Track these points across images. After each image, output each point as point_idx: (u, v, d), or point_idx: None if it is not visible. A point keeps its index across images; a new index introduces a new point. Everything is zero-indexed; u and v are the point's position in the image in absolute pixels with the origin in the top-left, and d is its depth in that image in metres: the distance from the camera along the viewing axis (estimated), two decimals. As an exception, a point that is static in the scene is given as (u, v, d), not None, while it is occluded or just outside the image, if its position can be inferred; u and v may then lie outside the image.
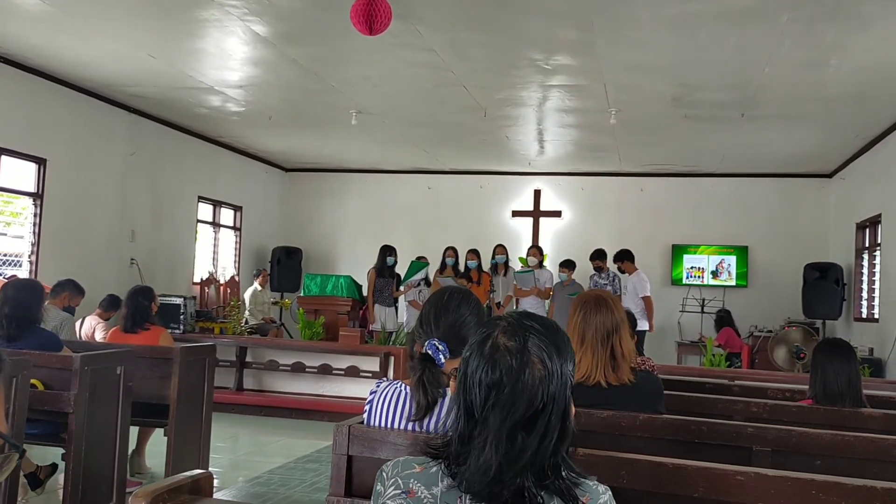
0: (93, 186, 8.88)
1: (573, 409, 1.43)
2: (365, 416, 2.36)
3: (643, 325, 9.09)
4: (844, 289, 10.09)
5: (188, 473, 1.51)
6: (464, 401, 1.39)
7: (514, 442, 1.34)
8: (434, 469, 1.42)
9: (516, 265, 10.66)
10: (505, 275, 10.16)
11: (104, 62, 7.60)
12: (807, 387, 3.67)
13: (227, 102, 8.92)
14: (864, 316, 9.80)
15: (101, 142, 9.00)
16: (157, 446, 5.28)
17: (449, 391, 2.03)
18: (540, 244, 11.65)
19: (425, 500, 1.40)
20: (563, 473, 1.38)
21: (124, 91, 8.69)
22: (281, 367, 8.28)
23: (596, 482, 1.41)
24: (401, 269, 10.09)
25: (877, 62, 6.48)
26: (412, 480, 1.43)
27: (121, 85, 8.43)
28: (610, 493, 1.41)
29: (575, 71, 7.14)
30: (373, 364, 7.97)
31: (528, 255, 10.36)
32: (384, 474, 1.47)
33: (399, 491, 1.43)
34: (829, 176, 11.32)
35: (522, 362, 1.36)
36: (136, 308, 5.37)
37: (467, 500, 1.37)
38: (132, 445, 5.06)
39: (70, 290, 6.06)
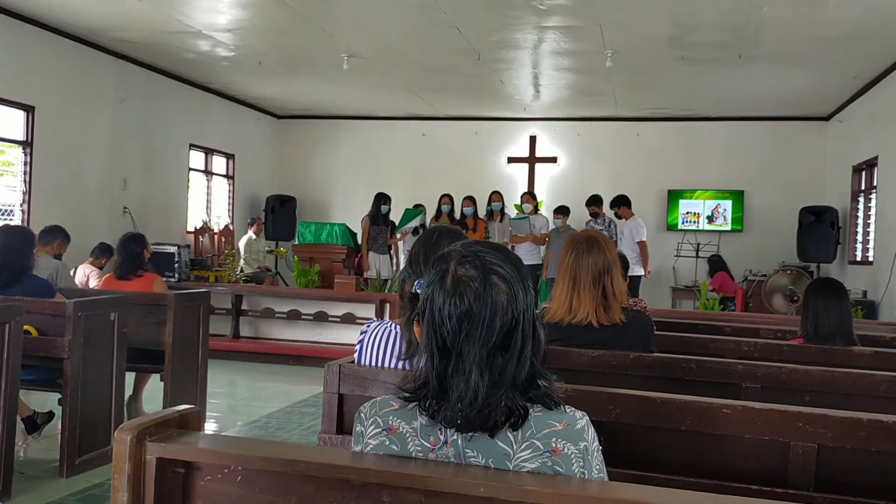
0: (82, 134, 8.79)
1: (541, 324, 1.45)
2: (356, 355, 2.37)
3: (639, 270, 9.10)
4: (839, 232, 10.09)
5: (176, 408, 1.51)
6: (435, 339, 1.39)
7: (495, 364, 1.36)
8: (412, 406, 1.43)
9: (512, 212, 10.65)
10: (501, 221, 10.16)
11: (90, 5, 7.44)
12: (798, 327, 3.68)
13: (217, 47, 8.77)
14: (858, 259, 9.82)
15: (89, 89, 8.87)
16: (155, 393, 5.32)
17: None
18: (535, 191, 11.63)
19: (407, 435, 1.41)
20: (540, 382, 1.41)
21: (111, 36, 8.53)
22: (277, 315, 8.31)
23: (573, 409, 1.42)
24: (395, 217, 10.07)
25: (876, 1, 6.37)
26: (392, 417, 1.44)
27: (107, 30, 8.27)
28: (587, 419, 1.42)
29: (570, 11, 7.01)
30: (368, 311, 8.00)
31: (521, 201, 10.33)
32: (363, 415, 1.48)
33: (380, 429, 1.44)
34: (827, 119, 11.23)
35: (487, 287, 1.37)
36: (129, 255, 5.35)
37: (448, 430, 1.38)
38: (129, 391, 5.09)
39: (61, 238, 6.03)
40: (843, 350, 3.35)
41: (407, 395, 1.44)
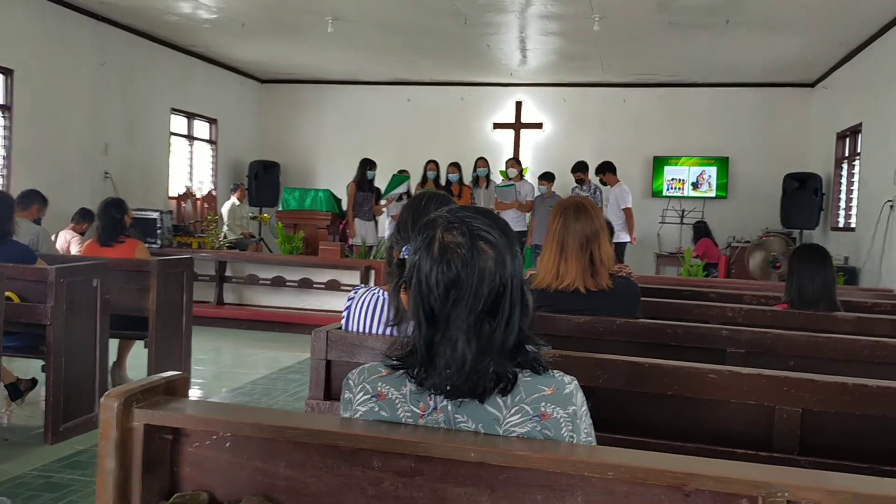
0: (62, 98, 8.63)
1: (528, 289, 1.44)
2: (343, 321, 2.36)
3: (624, 237, 9.13)
4: (823, 199, 10.15)
5: (162, 374, 1.49)
6: (422, 307, 1.38)
7: (483, 331, 1.35)
8: (401, 372, 1.42)
9: (497, 178, 10.61)
10: (486, 188, 10.13)
11: (66, -34, 7.27)
12: (782, 293, 3.71)
13: (198, 9, 8.61)
14: (840, 225, 9.90)
15: (69, 52, 8.69)
16: (139, 359, 5.30)
17: None
18: (521, 157, 11.58)
19: (397, 401, 1.41)
20: (528, 348, 1.41)
21: (90, -3, 8.35)
22: (261, 282, 8.28)
23: (562, 374, 1.42)
24: (380, 183, 10.01)
25: (865, -35, 6.34)
26: (380, 384, 1.44)
27: (86, -9, 8.10)
28: (576, 383, 1.42)
29: (557, -25, 6.93)
30: (353, 278, 7.99)
31: (507, 166, 10.30)
32: (351, 382, 1.47)
33: (369, 395, 1.43)
34: (812, 85, 11.23)
35: (474, 253, 1.36)
36: (109, 221, 5.30)
37: (437, 396, 1.38)
38: (113, 357, 5.07)
39: (38, 202, 5.94)
40: (826, 315, 3.38)
41: (395, 362, 1.43)
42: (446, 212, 1.43)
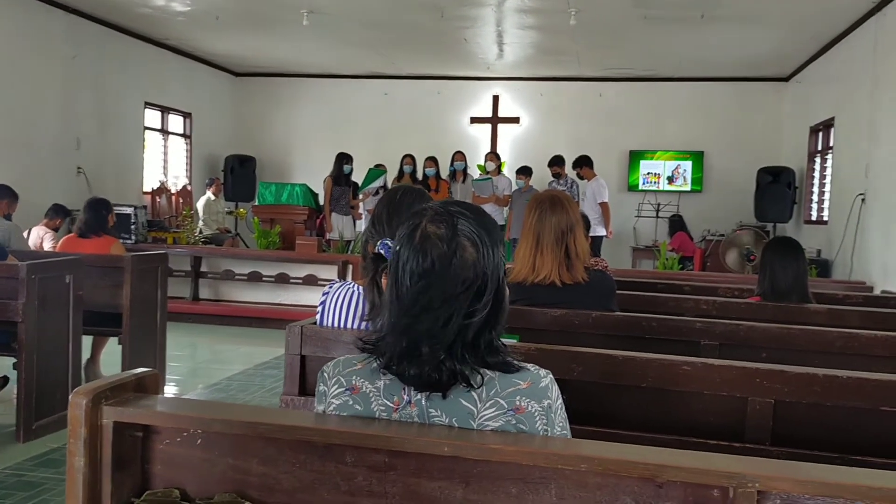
0: (34, 92, 8.50)
1: (507, 292, 1.44)
2: (318, 316, 2.35)
3: (600, 230, 9.16)
4: (796, 192, 10.26)
5: (133, 371, 1.47)
6: (396, 293, 1.38)
7: (450, 326, 1.35)
8: (375, 364, 1.42)
9: (475, 172, 10.61)
10: (463, 182, 10.12)
11: (36, -43, 7.15)
12: (755, 286, 3.74)
13: (172, 2, 8.51)
14: (813, 218, 10.01)
15: (40, 45, 8.56)
16: (114, 356, 5.24)
17: None
18: (498, 151, 11.58)
19: (371, 394, 1.41)
20: (501, 353, 1.40)
21: (60, -11, 8.23)
22: (237, 277, 8.23)
23: (537, 367, 1.42)
24: (357, 177, 9.97)
25: (837, -40, 6.40)
26: (355, 377, 1.43)
27: (56, -17, 7.98)
28: (551, 377, 1.42)
29: (533, -31, 6.93)
30: (331, 272, 7.96)
31: (485, 160, 10.30)
32: (326, 374, 1.47)
33: (343, 388, 1.43)
34: (786, 80, 11.34)
35: (453, 247, 1.36)
36: (95, 216, 5.26)
37: (412, 390, 1.38)
38: (86, 354, 5.02)
39: (8, 197, 5.86)
40: (798, 307, 3.41)
41: (367, 345, 1.43)
42: (437, 204, 1.44)
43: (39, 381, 4.13)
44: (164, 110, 11.23)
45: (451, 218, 1.39)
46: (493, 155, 10.40)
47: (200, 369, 6.22)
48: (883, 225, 7.29)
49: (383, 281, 1.51)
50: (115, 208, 7.94)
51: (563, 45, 9.78)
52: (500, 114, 12.26)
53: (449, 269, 1.35)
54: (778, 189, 10.25)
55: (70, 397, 1.38)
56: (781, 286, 3.48)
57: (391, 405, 1.39)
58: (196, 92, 11.82)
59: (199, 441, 1.39)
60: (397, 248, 1.40)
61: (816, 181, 9.97)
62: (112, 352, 5.29)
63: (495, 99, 12.26)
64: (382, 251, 2.07)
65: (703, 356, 2.69)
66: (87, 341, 4.86)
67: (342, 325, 2.29)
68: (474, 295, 1.36)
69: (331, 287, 2.39)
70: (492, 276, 1.38)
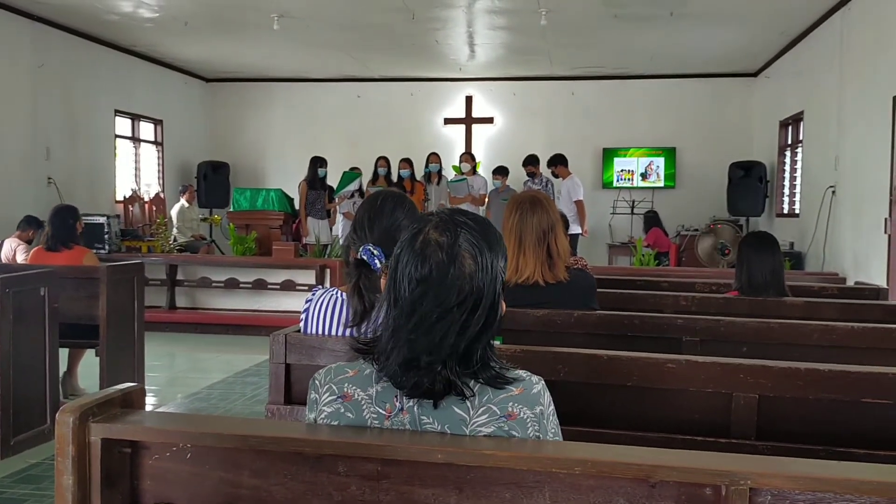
0: (0, 102, 8.36)
1: (503, 306, 1.44)
2: (301, 324, 2.34)
3: (576, 229, 9.20)
4: (767, 186, 10.39)
5: (119, 387, 1.46)
6: (394, 296, 1.39)
7: (443, 334, 1.35)
8: (367, 372, 1.42)
9: (450, 173, 10.62)
10: (438, 183, 10.12)
11: (0, -35, 7.04)
12: (732, 280, 3.78)
13: (139, 8, 8.42)
14: (785, 212, 10.14)
15: (5, 54, 8.42)
16: (91, 368, 5.18)
17: None
18: (473, 151, 11.60)
19: (363, 402, 1.41)
20: (493, 365, 1.40)
21: (25, -3, 8.10)
22: (214, 284, 8.16)
23: (529, 374, 1.42)
24: (332, 181, 9.94)
25: (802, -43, 6.49)
26: (347, 385, 1.43)
27: (21, -9, 7.86)
28: (543, 383, 1.42)
29: (504, -31, 6.95)
30: (308, 277, 7.92)
31: (460, 161, 10.32)
32: (317, 382, 1.47)
33: (335, 396, 1.43)
34: (755, 75, 11.47)
35: (452, 256, 1.36)
36: (61, 226, 5.16)
37: (403, 397, 1.38)
38: (63, 367, 4.95)
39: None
40: (775, 301, 3.45)
41: (362, 346, 1.44)
42: (445, 211, 1.44)
43: (16, 397, 4.06)
44: (135, 118, 11.10)
45: (454, 228, 1.39)
46: (469, 155, 10.42)
47: (179, 379, 6.16)
48: (853, 217, 7.41)
49: (383, 279, 1.51)
50: (87, 218, 7.88)
51: (534, 44, 9.82)
52: (474, 114, 12.28)
53: (445, 279, 1.35)
54: (750, 183, 10.37)
55: (57, 415, 1.36)
56: (758, 280, 3.52)
57: (383, 412, 1.39)
58: (167, 98, 11.71)
59: (188, 455, 1.38)
60: (398, 250, 1.40)
61: (787, 175, 10.10)
62: (89, 363, 5.22)
63: (468, 99, 12.28)
64: (365, 257, 2.07)
65: (685, 352, 2.72)
66: (63, 354, 4.80)
67: (326, 331, 2.28)
68: (469, 304, 1.36)
69: (314, 294, 2.38)
70: (488, 290, 1.38)
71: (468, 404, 1.36)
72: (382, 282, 1.47)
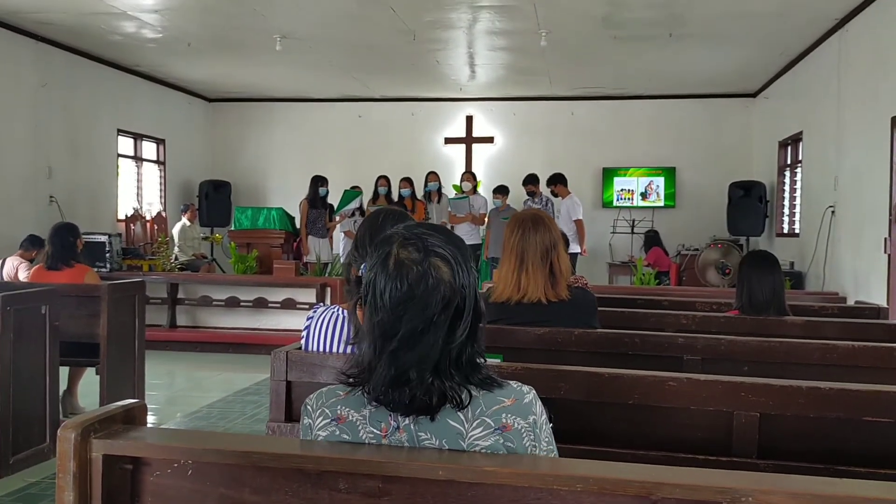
0: (3, 121, 8.40)
1: (483, 307, 1.45)
2: (303, 341, 2.34)
3: (576, 248, 9.22)
4: (767, 206, 10.41)
5: (120, 403, 1.46)
6: (377, 321, 1.38)
7: (433, 347, 1.36)
8: (359, 392, 1.42)
9: (450, 192, 10.65)
10: (439, 202, 10.15)
11: (5, -14, 7.11)
12: (732, 299, 3.79)
13: (143, 28, 8.49)
14: (785, 231, 10.16)
15: (8, 73, 8.47)
16: (91, 386, 5.16)
17: None
18: (473, 170, 11.64)
19: (358, 423, 1.40)
20: (481, 368, 1.41)
21: (30, 18, 8.15)
22: (214, 303, 8.16)
23: (520, 384, 1.43)
24: (333, 200, 9.97)
25: (800, -21, 6.55)
26: (340, 407, 1.43)
27: (26, 11, 7.90)
28: (535, 393, 1.43)
29: (504, -9, 7.02)
30: (309, 296, 7.92)
31: (462, 180, 10.35)
32: (309, 407, 1.46)
33: (328, 420, 1.42)
34: (753, 96, 11.53)
35: (426, 268, 1.37)
36: (61, 245, 5.17)
37: (398, 416, 1.38)
38: (63, 386, 4.94)
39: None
40: (776, 320, 3.46)
41: (350, 380, 1.43)
42: (402, 228, 1.44)
43: (16, 415, 4.05)
44: (137, 137, 11.15)
45: (420, 240, 1.40)
46: (470, 175, 10.46)
47: (179, 397, 6.14)
48: (853, 236, 7.42)
49: (359, 310, 1.51)
50: (88, 237, 7.90)
51: (534, 65, 9.88)
52: (475, 134, 12.34)
53: (426, 291, 1.36)
54: (749, 203, 10.39)
55: (59, 431, 1.36)
56: (759, 299, 3.53)
57: (379, 432, 1.39)
58: (169, 118, 11.77)
59: (189, 472, 1.38)
60: (371, 275, 1.40)
61: (787, 194, 10.12)
62: (89, 382, 5.21)
63: (469, 119, 12.34)
64: (363, 273, 2.08)
65: (686, 371, 2.72)
66: (63, 372, 4.79)
67: (328, 349, 2.28)
68: (454, 313, 1.37)
69: (315, 311, 2.38)
70: (468, 292, 1.40)
71: (462, 416, 1.36)
72: (359, 313, 1.46)
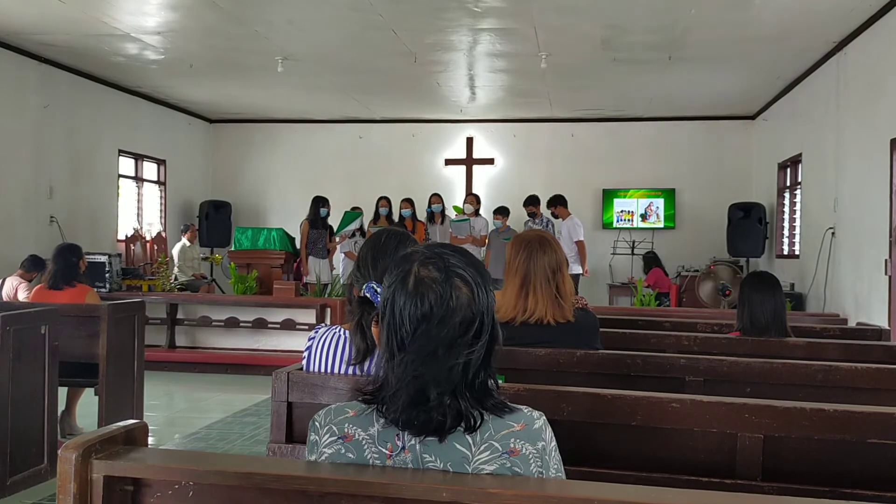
0: (5, 141, 8.42)
1: (500, 331, 1.44)
2: (304, 362, 2.33)
3: (576, 269, 9.22)
4: (767, 227, 10.42)
5: (121, 423, 1.45)
6: (394, 340, 1.38)
7: (452, 367, 1.35)
8: (368, 411, 1.41)
9: (450, 213, 10.67)
10: (441, 223, 10.17)
11: (10, 7, 7.15)
12: (733, 320, 3.78)
13: (145, 50, 8.54)
14: (785, 253, 10.16)
15: (10, 94, 8.52)
16: (89, 407, 5.14)
17: None
18: (473, 192, 11.67)
19: (364, 442, 1.40)
20: (495, 394, 1.41)
21: (33, 39, 8.21)
22: (214, 323, 8.14)
23: (530, 409, 1.42)
24: (334, 221, 9.98)
25: (797, 3, 6.60)
26: (347, 425, 1.42)
27: (29, 33, 7.96)
28: (545, 419, 1.42)
29: (505, 13, 7.06)
30: (308, 316, 7.91)
31: (464, 202, 10.38)
32: (317, 424, 1.45)
33: (335, 437, 1.42)
34: (753, 118, 11.58)
35: (448, 289, 1.37)
36: (65, 264, 5.19)
37: (406, 435, 1.37)
38: (62, 406, 4.91)
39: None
40: (778, 341, 3.45)
41: (367, 397, 1.42)
42: (423, 247, 1.45)
43: (14, 436, 4.03)
44: (138, 157, 11.19)
45: (441, 260, 1.40)
46: (473, 197, 10.48)
47: (178, 418, 6.11)
48: (853, 258, 7.42)
49: (374, 327, 1.51)
50: (88, 257, 7.89)
51: (534, 87, 9.94)
52: (475, 155, 12.38)
53: (447, 312, 1.36)
54: (749, 224, 10.41)
55: (59, 451, 1.35)
56: (760, 321, 3.52)
57: (385, 452, 1.38)
58: (170, 139, 11.81)
59: (190, 493, 1.37)
60: (389, 293, 1.40)
61: (787, 216, 10.14)
62: (87, 402, 5.18)
63: (469, 141, 12.39)
64: (368, 294, 2.07)
65: (688, 392, 2.70)
66: (62, 393, 4.76)
67: (329, 369, 2.27)
68: (471, 332, 1.37)
69: (316, 332, 2.37)
70: (487, 313, 1.40)
71: (469, 440, 1.35)
72: (374, 329, 1.46)
